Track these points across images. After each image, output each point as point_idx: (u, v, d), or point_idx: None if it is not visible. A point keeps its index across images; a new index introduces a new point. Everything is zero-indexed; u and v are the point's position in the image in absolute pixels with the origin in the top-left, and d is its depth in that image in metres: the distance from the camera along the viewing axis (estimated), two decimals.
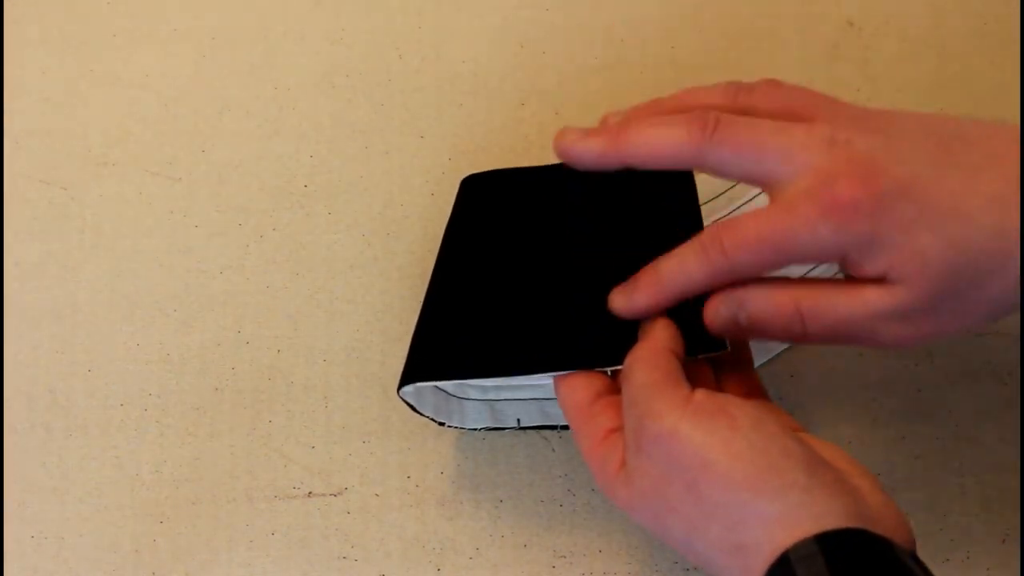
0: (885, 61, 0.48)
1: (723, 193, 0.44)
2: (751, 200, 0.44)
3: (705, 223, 0.39)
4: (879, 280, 0.33)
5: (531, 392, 0.44)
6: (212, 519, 0.42)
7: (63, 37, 0.48)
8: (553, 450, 0.44)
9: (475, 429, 0.43)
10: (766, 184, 0.34)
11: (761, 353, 0.45)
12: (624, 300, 0.36)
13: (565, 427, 0.44)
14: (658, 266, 0.35)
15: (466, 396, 0.44)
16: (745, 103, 0.36)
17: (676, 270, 0.35)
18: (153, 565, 0.42)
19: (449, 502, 0.43)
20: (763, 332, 0.35)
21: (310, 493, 0.43)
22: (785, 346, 0.45)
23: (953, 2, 0.50)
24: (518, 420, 0.44)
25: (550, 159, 0.47)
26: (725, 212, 0.44)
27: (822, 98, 0.36)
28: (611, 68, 0.48)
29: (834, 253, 0.33)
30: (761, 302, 0.35)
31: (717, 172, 0.34)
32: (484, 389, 0.44)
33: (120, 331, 0.44)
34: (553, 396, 0.44)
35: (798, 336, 0.35)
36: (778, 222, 0.33)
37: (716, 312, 0.35)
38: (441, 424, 0.41)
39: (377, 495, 0.43)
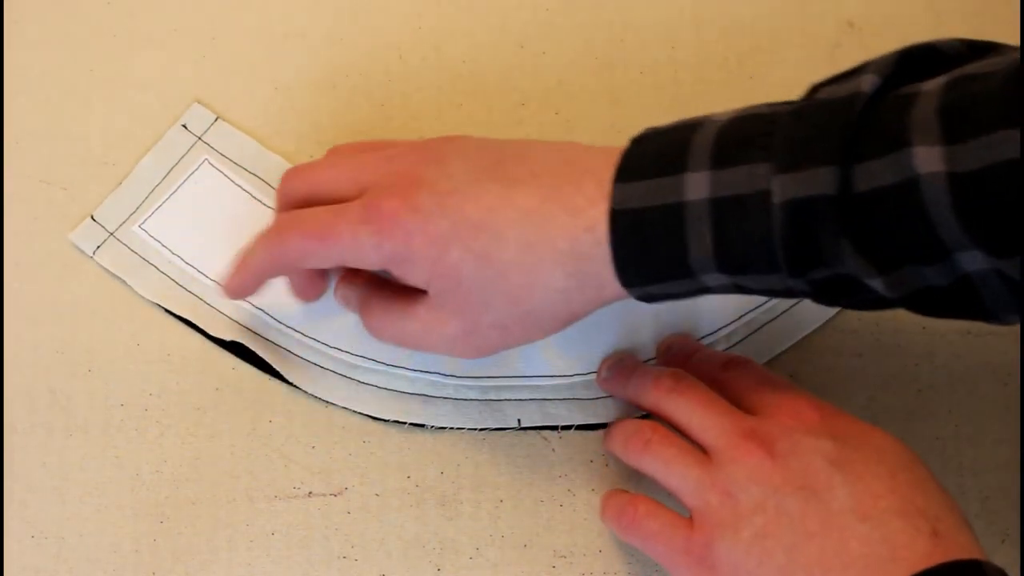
0: None
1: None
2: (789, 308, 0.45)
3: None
4: (422, 294, 0.37)
5: (531, 392, 0.44)
6: (212, 519, 0.42)
7: (63, 37, 0.48)
8: (553, 450, 0.44)
9: (475, 429, 0.43)
10: None
11: (762, 352, 0.45)
12: (228, 282, 0.41)
13: (565, 427, 0.44)
14: (246, 251, 0.40)
15: (464, 397, 0.44)
16: None
17: (252, 251, 0.39)
18: (153, 565, 0.42)
19: (449, 502, 0.43)
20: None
21: (310, 493, 0.43)
22: (784, 347, 0.45)
23: (953, 2, 0.50)
24: (518, 420, 0.44)
25: None
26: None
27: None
28: (611, 68, 0.48)
29: (377, 261, 0.37)
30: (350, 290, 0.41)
31: None
32: (484, 389, 0.44)
33: (120, 331, 0.44)
34: (553, 396, 0.44)
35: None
36: (329, 220, 0.37)
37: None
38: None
39: (377, 495, 0.43)
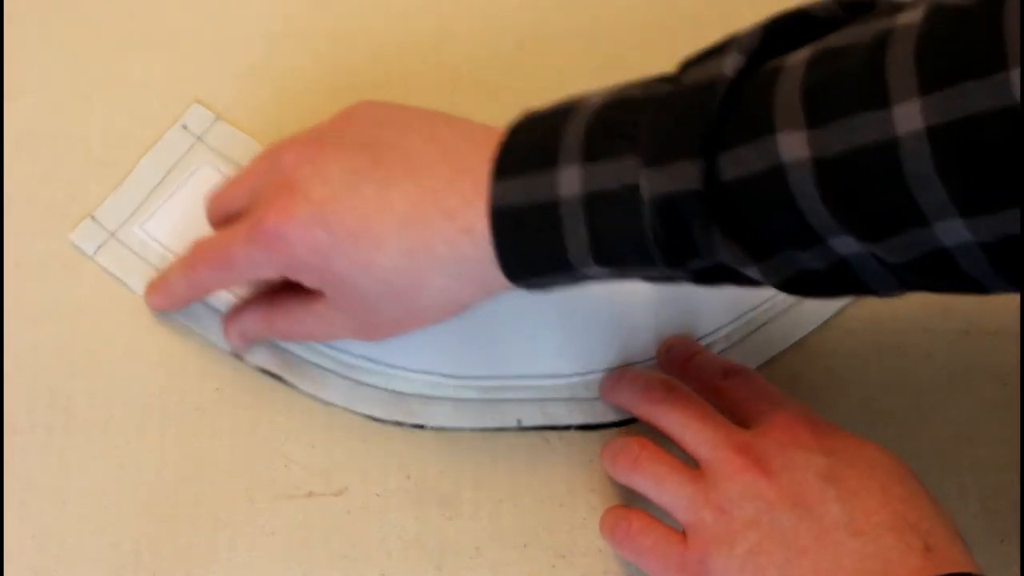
0: None
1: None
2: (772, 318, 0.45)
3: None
4: (321, 294, 0.38)
5: (531, 392, 0.44)
6: (212, 519, 0.42)
7: (63, 37, 0.48)
8: (553, 450, 0.44)
9: (475, 429, 0.43)
10: None
11: (762, 352, 0.45)
12: (147, 300, 0.44)
13: (565, 427, 0.44)
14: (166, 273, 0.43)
15: (464, 397, 0.44)
16: None
17: (171, 279, 0.42)
18: (153, 565, 0.42)
19: (449, 502, 0.43)
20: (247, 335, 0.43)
21: (310, 493, 0.43)
22: (784, 347, 0.45)
23: None
24: (518, 420, 0.44)
25: None
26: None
27: None
28: (611, 68, 0.48)
29: (272, 273, 0.38)
30: (247, 314, 0.42)
31: None
32: (484, 389, 0.44)
33: (120, 331, 0.44)
34: (553, 396, 0.44)
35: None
36: (224, 247, 0.39)
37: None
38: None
39: (377, 495, 0.43)
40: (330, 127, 0.39)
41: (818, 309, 0.45)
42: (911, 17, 0.30)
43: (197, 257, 0.41)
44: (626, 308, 0.43)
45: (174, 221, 0.45)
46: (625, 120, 0.33)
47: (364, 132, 0.38)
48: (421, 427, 0.43)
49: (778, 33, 0.33)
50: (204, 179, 0.46)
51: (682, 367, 0.42)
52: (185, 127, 0.47)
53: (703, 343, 0.44)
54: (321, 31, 0.49)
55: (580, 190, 0.33)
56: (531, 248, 0.34)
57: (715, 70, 0.32)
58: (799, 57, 0.32)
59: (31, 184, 0.46)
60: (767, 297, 0.45)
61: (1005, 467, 0.44)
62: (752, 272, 0.33)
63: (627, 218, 0.33)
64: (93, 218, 0.45)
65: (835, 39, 0.31)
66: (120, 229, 0.45)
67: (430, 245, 0.35)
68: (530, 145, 0.35)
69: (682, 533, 0.37)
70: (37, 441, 0.43)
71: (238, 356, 0.44)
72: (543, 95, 0.48)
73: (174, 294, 0.43)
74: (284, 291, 0.41)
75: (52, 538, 0.42)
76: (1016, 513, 0.43)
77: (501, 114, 0.48)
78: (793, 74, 0.31)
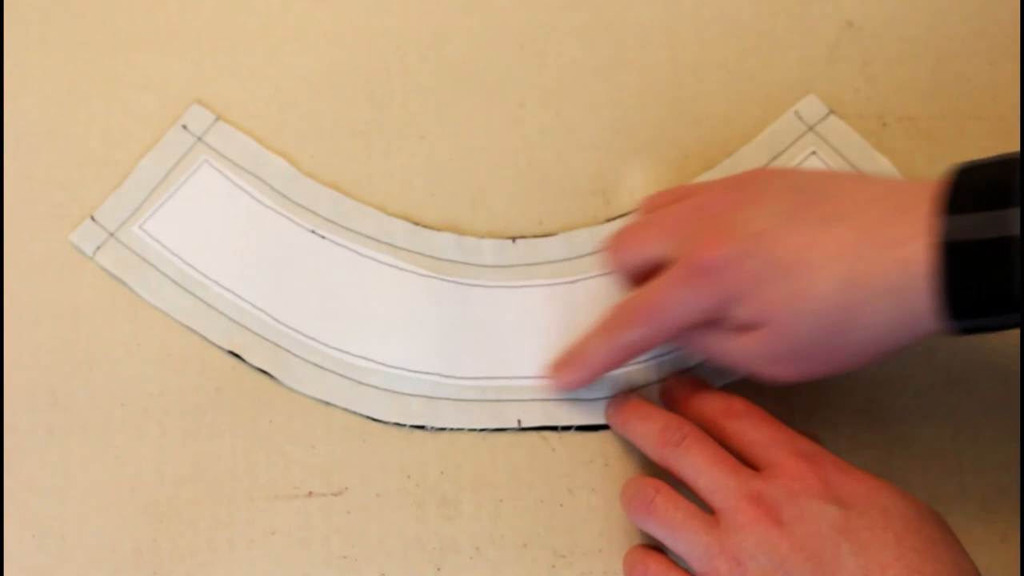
0: (885, 61, 0.49)
1: None
2: None
3: None
4: (752, 327, 0.38)
5: (531, 393, 0.44)
6: (212, 519, 0.42)
7: (63, 37, 0.48)
8: (553, 450, 0.44)
9: (475, 429, 0.43)
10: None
11: None
12: (559, 377, 0.43)
13: (566, 427, 0.44)
14: (581, 344, 0.43)
15: (464, 397, 0.44)
16: None
17: (589, 346, 0.42)
18: (153, 565, 0.42)
19: (449, 502, 0.43)
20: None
21: (310, 493, 0.43)
22: None
23: (953, 3, 0.50)
24: (518, 420, 0.44)
25: (549, 158, 0.47)
26: None
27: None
28: (611, 68, 0.48)
29: (703, 312, 0.38)
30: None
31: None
32: (484, 390, 0.44)
33: (120, 331, 0.44)
34: (553, 396, 0.44)
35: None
36: (654, 291, 0.39)
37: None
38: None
39: (377, 495, 0.43)
40: (747, 181, 0.39)
41: None
42: None
43: (627, 315, 0.40)
44: None
45: (174, 221, 0.45)
46: None
47: (787, 181, 0.39)
48: (421, 427, 0.43)
49: None
50: (204, 179, 0.46)
51: (683, 405, 0.41)
52: (185, 127, 0.47)
53: None
54: (321, 31, 0.49)
55: None
56: (978, 284, 0.34)
57: None
58: None
59: (31, 184, 0.46)
60: None
61: (1005, 467, 0.44)
62: None
63: None
64: (93, 218, 0.45)
65: None
66: (120, 229, 0.45)
67: (866, 276, 0.35)
68: (979, 186, 0.35)
69: None
70: (37, 441, 0.43)
71: (238, 356, 0.44)
72: (543, 95, 0.48)
73: (594, 363, 0.42)
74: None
75: (52, 538, 0.42)
76: (1016, 513, 0.43)
77: (501, 114, 0.48)
78: None
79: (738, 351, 0.39)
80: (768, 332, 0.37)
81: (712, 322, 0.39)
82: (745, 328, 0.38)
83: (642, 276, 0.41)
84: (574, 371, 0.43)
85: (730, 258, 0.37)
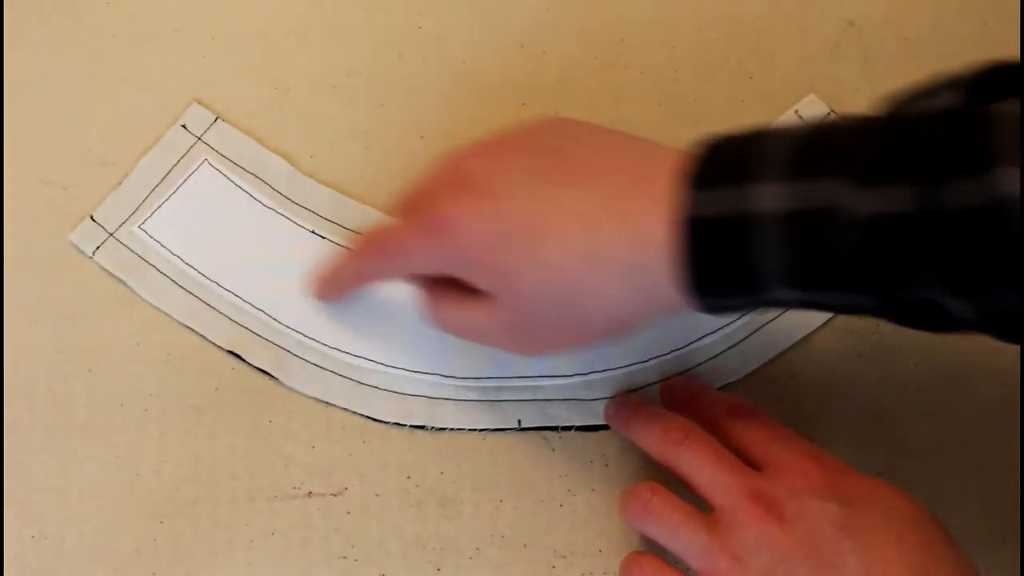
0: (885, 61, 0.49)
1: None
2: None
3: None
4: (489, 297, 0.37)
5: (531, 393, 0.44)
6: (212, 519, 0.42)
7: (63, 37, 0.48)
8: (553, 450, 0.44)
9: (475, 430, 0.43)
10: None
11: (762, 352, 0.45)
12: (315, 290, 0.44)
13: (566, 427, 0.44)
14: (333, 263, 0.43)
15: (464, 397, 0.44)
16: None
17: (340, 266, 0.43)
18: (153, 565, 0.42)
19: (449, 502, 0.43)
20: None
21: (310, 493, 0.43)
22: (784, 347, 0.45)
23: (953, 3, 0.50)
24: (519, 420, 0.44)
25: None
26: None
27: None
28: (611, 68, 0.48)
29: (441, 264, 0.38)
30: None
31: None
32: (484, 390, 0.44)
33: (120, 331, 0.44)
34: (553, 397, 0.44)
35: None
36: (398, 231, 0.39)
37: None
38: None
39: (377, 495, 0.43)
40: (512, 135, 0.39)
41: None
42: None
43: (368, 245, 0.41)
44: None
45: (173, 221, 0.45)
46: (833, 143, 0.32)
47: (546, 141, 0.38)
48: (421, 428, 0.43)
49: (989, 82, 0.32)
50: (203, 179, 0.46)
51: (685, 406, 0.41)
52: (185, 127, 0.47)
53: (703, 343, 0.44)
54: (321, 31, 0.49)
55: (782, 207, 0.32)
56: (717, 262, 0.33)
57: (930, 105, 0.32)
58: (1015, 103, 0.31)
59: (31, 184, 0.46)
60: None
61: (1005, 467, 0.44)
62: (952, 305, 0.32)
63: (831, 238, 0.31)
64: (92, 218, 0.45)
65: None
66: (119, 229, 0.45)
67: (603, 248, 0.34)
68: (725, 160, 0.34)
69: None
70: (37, 441, 0.43)
71: (238, 356, 0.44)
72: (543, 95, 0.48)
73: (340, 281, 0.43)
74: (444, 284, 0.40)
75: (52, 538, 0.42)
76: (1016, 513, 0.43)
77: (501, 114, 0.48)
78: (1011, 115, 0.30)
79: (479, 323, 0.38)
80: (503, 303, 0.37)
81: (458, 295, 0.38)
82: (485, 298, 0.37)
83: None
84: (324, 285, 0.44)
85: (469, 218, 0.36)
